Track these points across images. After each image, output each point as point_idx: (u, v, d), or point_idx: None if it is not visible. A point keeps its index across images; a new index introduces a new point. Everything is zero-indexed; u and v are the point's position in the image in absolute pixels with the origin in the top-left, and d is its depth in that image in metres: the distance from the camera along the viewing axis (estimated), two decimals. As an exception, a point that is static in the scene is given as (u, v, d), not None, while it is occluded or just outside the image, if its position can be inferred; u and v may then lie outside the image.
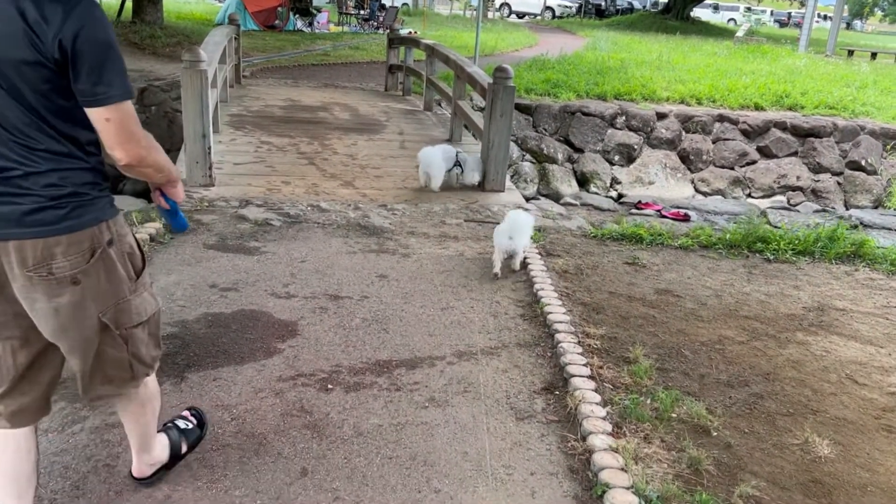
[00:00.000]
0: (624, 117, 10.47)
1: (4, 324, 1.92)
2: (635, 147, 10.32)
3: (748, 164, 10.47)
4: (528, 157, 10.00)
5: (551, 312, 3.72)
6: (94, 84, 1.71)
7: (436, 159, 5.98)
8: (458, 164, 6.04)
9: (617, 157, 10.29)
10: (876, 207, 10.36)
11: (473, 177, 6.11)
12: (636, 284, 4.37)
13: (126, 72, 1.79)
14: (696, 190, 10.33)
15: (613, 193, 10.11)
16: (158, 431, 2.42)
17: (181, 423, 2.54)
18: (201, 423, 2.62)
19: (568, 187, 9.88)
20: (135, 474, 2.38)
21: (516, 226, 4.28)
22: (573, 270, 4.49)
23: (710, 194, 10.28)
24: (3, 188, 1.77)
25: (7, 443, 2.04)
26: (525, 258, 4.48)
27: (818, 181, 10.38)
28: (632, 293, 4.22)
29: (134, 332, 2.04)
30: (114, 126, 1.76)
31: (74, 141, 1.82)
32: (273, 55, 15.36)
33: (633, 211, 6.39)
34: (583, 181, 10.09)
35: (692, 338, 3.68)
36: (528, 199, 6.20)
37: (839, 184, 10.42)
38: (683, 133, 10.59)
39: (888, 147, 10.54)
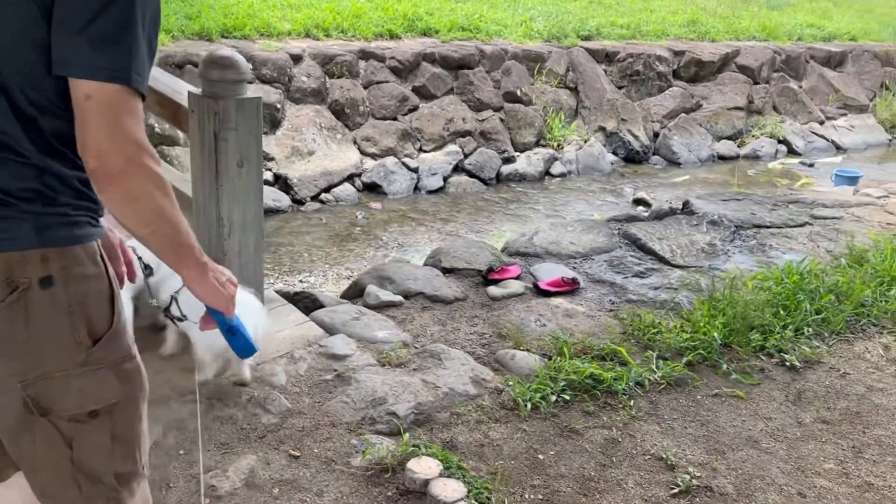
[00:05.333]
0: (251, 65, 7.58)
1: None
2: (277, 106, 7.65)
3: (411, 110, 8.65)
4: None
5: None
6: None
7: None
8: (147, 283, 2.42)
9: (259, 124, 7.45)
10: (538, 141, 9.51)
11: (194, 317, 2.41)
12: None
13: None
14: (363, 152, 8.18)
15: (268, 175, 7.35)
16: None
17: None
18: None
19: (206, 180, 6.77)
20: None
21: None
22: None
23: (380, 155, 8.23)
24: None
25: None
26: None
27: (483, 120, 9.10)
28: None
29: (81, 428, 1.31)
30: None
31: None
32: None
33: (492, 291, 3.71)
34: (223, 166, 7.06)
35: None
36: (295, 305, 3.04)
37: (502, 120, 9.27)
38: (328, 79, 8.21)
39: (535, 72, 9.67)
